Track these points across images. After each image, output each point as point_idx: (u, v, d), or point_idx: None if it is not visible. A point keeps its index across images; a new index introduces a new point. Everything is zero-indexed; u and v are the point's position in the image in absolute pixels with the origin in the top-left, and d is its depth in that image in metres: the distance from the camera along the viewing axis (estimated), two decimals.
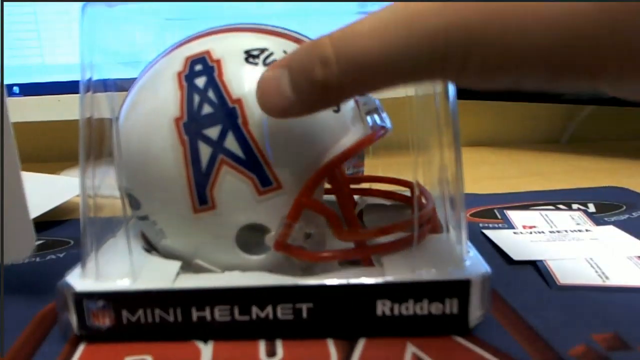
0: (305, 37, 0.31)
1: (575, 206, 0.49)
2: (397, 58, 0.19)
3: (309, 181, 0.27)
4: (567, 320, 0.29)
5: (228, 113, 0.27)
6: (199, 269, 0.29)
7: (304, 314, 0.27)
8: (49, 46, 0.59)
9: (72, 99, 0.59)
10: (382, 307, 0.26)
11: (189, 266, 0.29)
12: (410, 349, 0.26)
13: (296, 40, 0.30)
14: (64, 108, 0.59)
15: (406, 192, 0.38)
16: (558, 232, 0.41)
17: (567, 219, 0.45)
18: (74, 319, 0.27)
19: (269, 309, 0.27)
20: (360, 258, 0.29)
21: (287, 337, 0.27)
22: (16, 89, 0.59)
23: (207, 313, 0.27)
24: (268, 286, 0.27)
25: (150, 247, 0.32)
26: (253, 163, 0.27)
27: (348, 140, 0.28)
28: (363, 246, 0.29)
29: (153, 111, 0.28)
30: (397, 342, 0.27)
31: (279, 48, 0.28)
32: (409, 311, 0.27)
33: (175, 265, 0.28)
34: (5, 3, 0.56)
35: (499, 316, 0.29)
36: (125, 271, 0.27)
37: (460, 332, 0.27)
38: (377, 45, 0.19)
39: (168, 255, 0.30)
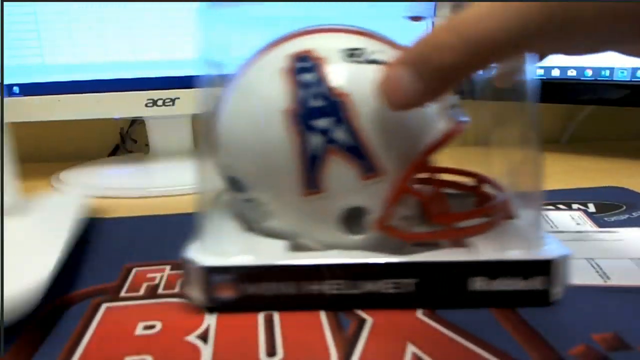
0: (386, 37, 0.33)
1: (575, 206, 0.49)
2: (513, 31, 0.23)
3: (409, 168, 0.30)
4: (567, 320, 0.29)
5: (336, 106, 0.29)
6: (301, 248, 0.32)
7: (409, 289, 0.29)
8: (49, 46, 0.59)
9: (72, 99, 0.59)
10: (477, 283, 0.29)
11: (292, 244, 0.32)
12: (410, 349, 0.26)
13: (380, 40, 0.32)
14: (63, 108, 0.59)
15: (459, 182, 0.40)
16: (559, 232, 0.41)
17: (567, 219, 0.45)
18: (200, 292, 0.30)
19: (381, 283, 0.29)
20: (450, 239, 0.32)
21: (391, 309, 0.29)
22: (16, 89, 0.59)
23: (322, 286, 0.29)
24: (380, 263, 0.29)
25: (247, 227, 0.34)
26: (359, 152, 0.29)
27: (436, 131, 0.31)
28: (453, 228, 0.32)
29: (264, 104, 0.30)
30: (397, 342, 0.27)
31: (371, 47, 0.31)
32: (499, 287, 0.29)
33: (284, 243, 0.31)
34: (5, 3, 0.56)
35: (499, 316, 0.29)
36: (244, 248, 0.30)
37: (542, 305, 0.30)
38: (496, 23, 0.23)
39: (271, 234, 0.32)
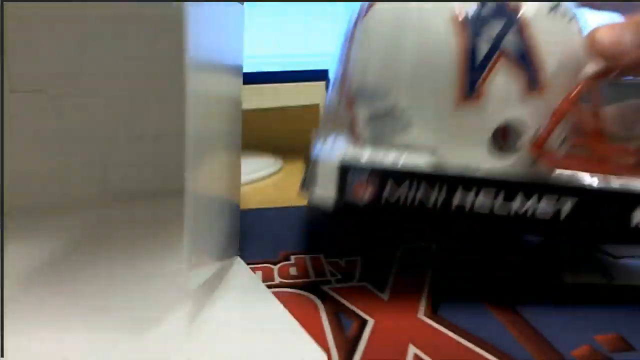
0: None
1: None
2: None
3: (578, 87, 0.28)
4: (571, 321, 0.28)
5: (509, 14, 0.28)
6: (439, 166, 0.29)
7: (563, 215, 0.28)
8: None
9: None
10: (638, 218, 0.28)
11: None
12: (412, 350, 0.26)
13: None
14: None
15: None
16: None
17: None
18: (331, 192, 0.27)
19: (534, 200, 0.27)
20: (604, 174, 0.29)
21: (542, 235, 0.27)
22: None
23: (471, 198, 0.27)
24: (536, 178, 0.28)
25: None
26: (527, 63, 0.28)
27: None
28: (611, 163, 0.29)
29: (431, 8, 0.29)
30: (398, 343, 0.27)
31: None
32: None
33: (427, 155, 0.29)
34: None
35: (501, 316, 0.29)
36: (385, 151, 0.28)
37: None
38: None
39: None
